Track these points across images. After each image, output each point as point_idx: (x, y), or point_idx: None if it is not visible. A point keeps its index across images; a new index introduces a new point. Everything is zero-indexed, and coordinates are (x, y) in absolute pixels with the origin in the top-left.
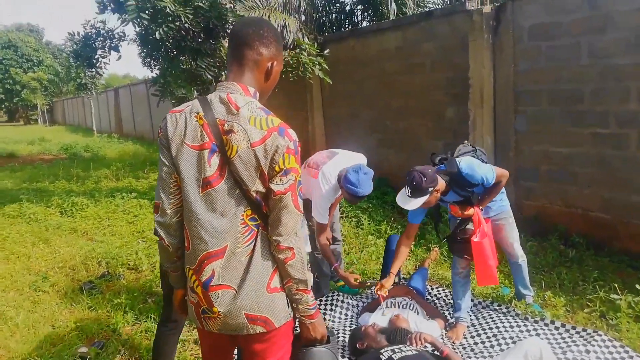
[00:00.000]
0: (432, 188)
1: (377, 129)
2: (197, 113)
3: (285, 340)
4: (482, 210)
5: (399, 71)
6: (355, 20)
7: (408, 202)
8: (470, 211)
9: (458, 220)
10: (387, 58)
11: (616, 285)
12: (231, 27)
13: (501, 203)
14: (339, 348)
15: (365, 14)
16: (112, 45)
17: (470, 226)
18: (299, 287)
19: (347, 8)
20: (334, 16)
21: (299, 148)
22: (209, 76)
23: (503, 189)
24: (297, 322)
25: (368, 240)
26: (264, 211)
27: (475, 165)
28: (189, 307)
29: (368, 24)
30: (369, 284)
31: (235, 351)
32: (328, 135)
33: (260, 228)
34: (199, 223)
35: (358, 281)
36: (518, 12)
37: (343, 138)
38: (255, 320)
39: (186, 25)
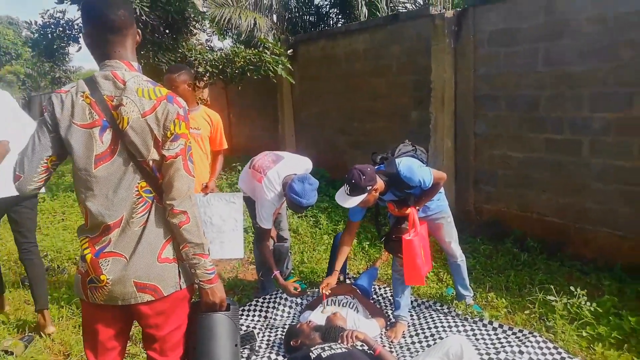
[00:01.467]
0: (370, 187)
1: (345, 130)
2: (83, 92)
3: (180, 311)
4: (418, 210)
5: (367, 73)
6: (331, 22)
7: (347, 200)
8: (407, 210)
9: (396, 219)
10: (355, 60)
11: (552, 287)
12: (94, 10)
13: (439, 202)
14: (239, 317)
15: (340, 16)
16: (72, 35)
17: (405, 225)
18: (195, 251)
19: (323, 10)
20: (307, 18)
21: (188, 115)
22: None
23: (442, 189)
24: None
25: (323, 240)
26: (159, 183)
27: (414, 168)
28: (75, 279)
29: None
30: (309, 292)
31: None
32: (298, 136)
33: (154, 200)
34: (95, 198)
35: (298, 290)
36: (479, 17)
37: (313, 138)
38: (144, 288)
39: (143, 18)
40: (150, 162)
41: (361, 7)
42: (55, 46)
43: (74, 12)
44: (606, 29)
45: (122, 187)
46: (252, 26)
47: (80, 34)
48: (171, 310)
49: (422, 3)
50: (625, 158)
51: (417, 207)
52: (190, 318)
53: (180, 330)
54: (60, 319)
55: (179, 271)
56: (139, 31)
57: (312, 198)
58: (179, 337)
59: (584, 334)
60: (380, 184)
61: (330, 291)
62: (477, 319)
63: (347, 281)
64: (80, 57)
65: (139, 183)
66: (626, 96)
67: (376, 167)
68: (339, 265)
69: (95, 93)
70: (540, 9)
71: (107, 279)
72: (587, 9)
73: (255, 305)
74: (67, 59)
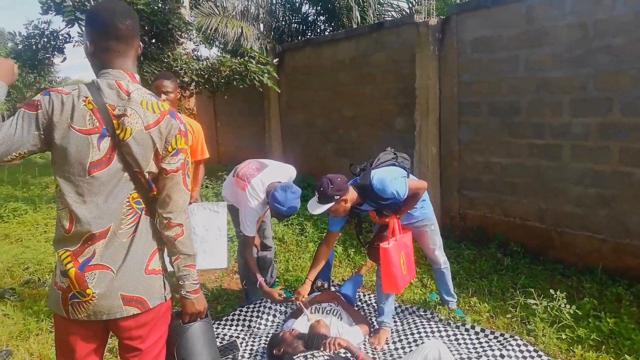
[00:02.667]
0: (338, 196)
1: (331, 137)
2: (86, 97)
3: (162, 323)
4: (399, 218)
5: (352, 81)
6: (318, 30)
7: (316, 207)
8: (388, 219)
9: (379, 227)
10: (341, 68)
11: (532, 290)
12: (103, 15)
13: (423, 210)
14: (223, 327)
15: (327, 24)
16: (57, 46)
17: (386, 234)
18: (187, 262)
19: (310, 18)
20: (294, 26)
21: (188, 132)
22: None
23: (425, 196)
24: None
25: (308, 248)
26: (150, 195)
27: (387, 181)
28: (52, 295)
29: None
30: (293, 299)
31: None
32: (285, 143)
33: (143, 212)
34: (84, 205)
35: (282, 297)
36: (462, 25)
37: (299, 146)
38: (131, 301)
39: None
40: (147, 174)
41: (355, 11)
42: (39, 57)
43: (58, 23)
44: (585, 36)
45: (113, 197)
46: (238, 35)
47: (65, 45)
48: (154, 322)
49: (407, 11)
50: (604, 162)
51: (398, 216)
52: (170, 328)
53: (162, 341)
54: (40, 332)
55: (164, 282)
56: (141, 44)
57: (294, 207)
58: (161, 348)
59: (564, 336)
60: (351, 194)
61: (305, 299)
62: (459, 324)
63: (332, 288)
64: (67, 68)
65: (130, 194)
66: (605, 101)
67: (354, 179)
68: (312, 275)
69: (98, 100)
70: (521, 16)
71: (93, 292)
72: (566, 16)
73: (239, 314)
74: (52, 70)
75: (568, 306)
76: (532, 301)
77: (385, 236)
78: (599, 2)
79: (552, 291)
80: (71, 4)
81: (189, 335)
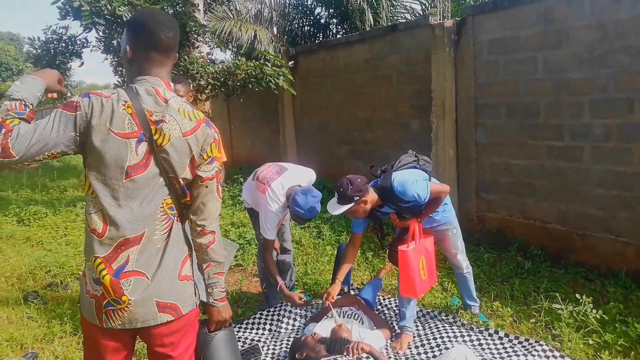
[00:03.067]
0: (357, 197)
1: (346, 140)
2: (125, 102)
3: (192, 329)
4: (420, 222)
5: (367, 83)
6: (330, 33)
7: (336, 208)
8: (408, 222)
9: (400, 230)
10: (355, 70)
11: (558, 295)
12: (149, 22)
13: (445, 214)
14: (244, 329)
15: (340, 27)
16: (74, 51)
17: (407, 237)
18: (216, 270)
19: (322, 21)
20: (307, 29)
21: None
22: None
23: (447, 200)
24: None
25: (326, 251)
26: (182, 201)
27: (408, 184)
28: (84, 304)
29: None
30: (314, 303)
31: None
32: (299, 146)
33: (175, 218)
34: (119, 209)
35: (303, 300)
36: (478, 26)
37: (314, 149)
38: (165, 307)
39: None
40: (182, 181)
41: (368, 13)
42: (57, 62)
43: (76, 28)
44: (605, 36)
45: (148, 201)
46: (252, 38)
47: (82, 49)
48: (186, 328)
49: (421, 13)
50: (626, 164)
51: (419, 219)
52: (196, 336)
53: (192, 348)
54: (64, 334)
55: (195, 288)
56: (176, 54)
57: (314, 210)
58: (190, 355)
59: (591, 342)
60: (371, 196)
61: (334, 299)
62: (482, 329)
63: (352, 292)
64: (81, 72)
65: (164, 199)
66: (626, 102)
67: (375, 180)
68: (341, 275)
69: (136, 105)
70: (539, 17)
71: (129, 299)
72: (585, 16)
73: (260, 317)
74: (68, 74)
75: (594, 311)
76: (557, 306)
77: (405, 240)
78: (619, 2)
79: (577, 295)
80: (89, 9)
81: (214, 344)
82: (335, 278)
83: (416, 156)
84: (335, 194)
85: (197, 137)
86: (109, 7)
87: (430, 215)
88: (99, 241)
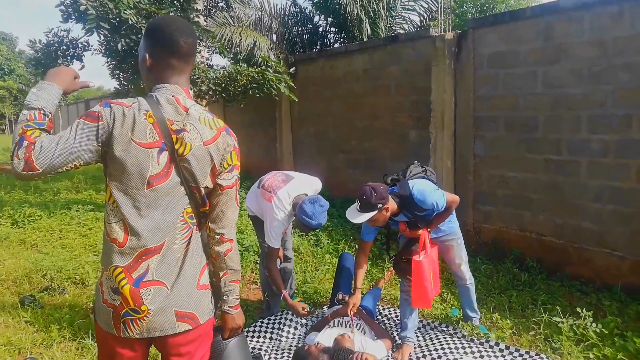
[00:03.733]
0: (381, 205)
1: (343, 149)
2: (147, 111)
3: (208, 338)
4: (430, 232)
5: (365, 93)
6: (328, 42)
7: (356, 216)
8: (419, 232)
9: (406, 240)
10: (354, 79)
11: (559, 308)
12: (167, 29)
13: (450, 224)
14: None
15: (338, 36)
16: (76, 54)
17: (416, 247)
18: (233, 277)
19: (320, 30)
20: (306, 37)
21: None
22: None
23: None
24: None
25: (325, 259)
26: (201, 210)
27: (427, 192)
28: (102, 314)
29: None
30: (316, 313)
31: None
32: (296, 154)
33: (195, 227)
34: (141, 219)
35: (306, 310)
36: (478, 40)
37: (311, 157)
38: (183, 317)
39: None
40: (202, 190)
41: (365, 24)
42: (58, 65)
43: (78, 31)
44: (604, 53)
45: (169, 211)
46: (252, 45)
47: (84, 53)
48: (202, 338)
49: (419, 24)
50: (622, 179)
51: (428, 229)
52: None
53: (207, 356)
54: (63, 339)
55: (212, 297)
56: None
57: (322, 220)
58: None
59: (591, 355)
60: (392, 204)
61: (335, 311)
62: (483, 340)
63: None
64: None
65: (185, 208)
66: (624, 118)
67: (390, 188)
68: (360, 282)
69: (158, 114)
70: (539, 32)
71: (149, 309)
72: (585, 33)
73: (261, 326)
74: None
75: (594, 325)
76: (557, 319)
77: (414, 250)
78: (619, 20)
79: (577, 309)
80: (95, 13)
81: (229, 351)
82: (356, 286)
83: (422, 167)
84: (357, 201)
85: (218, 145)
86: (115, 11)
87: (438, 225)
88: (119, 251)
